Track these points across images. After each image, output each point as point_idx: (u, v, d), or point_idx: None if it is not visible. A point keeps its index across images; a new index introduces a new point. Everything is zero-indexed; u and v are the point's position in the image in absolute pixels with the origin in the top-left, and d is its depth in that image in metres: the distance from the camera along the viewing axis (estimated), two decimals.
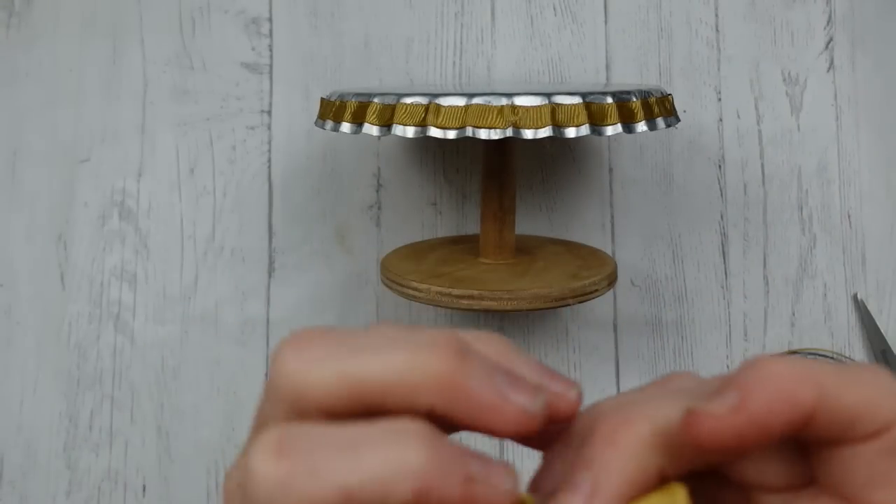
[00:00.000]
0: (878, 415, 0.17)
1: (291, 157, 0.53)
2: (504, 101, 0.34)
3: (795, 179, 0.52)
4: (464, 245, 0.48)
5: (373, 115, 0.37)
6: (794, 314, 0.52)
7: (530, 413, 0.17)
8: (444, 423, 0.17)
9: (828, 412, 0.17)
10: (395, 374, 0.17)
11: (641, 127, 0.36)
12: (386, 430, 0.16)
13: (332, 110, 0.39)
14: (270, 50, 0.53)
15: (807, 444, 0.18)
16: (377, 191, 0.53)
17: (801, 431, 0.17)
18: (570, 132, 0.35)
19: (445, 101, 0.35)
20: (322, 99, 0.42)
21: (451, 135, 0.35)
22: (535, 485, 0.20)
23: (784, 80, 0.53)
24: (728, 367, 0.51)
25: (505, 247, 0.45)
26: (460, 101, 0.35)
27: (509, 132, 0.34)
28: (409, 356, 0.17)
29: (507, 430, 0.17)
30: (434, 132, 0.35)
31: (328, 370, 0.17)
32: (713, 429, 0.17)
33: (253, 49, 0.53)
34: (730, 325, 0.52)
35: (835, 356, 0.51)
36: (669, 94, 0.40)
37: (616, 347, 0.51)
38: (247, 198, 0.53)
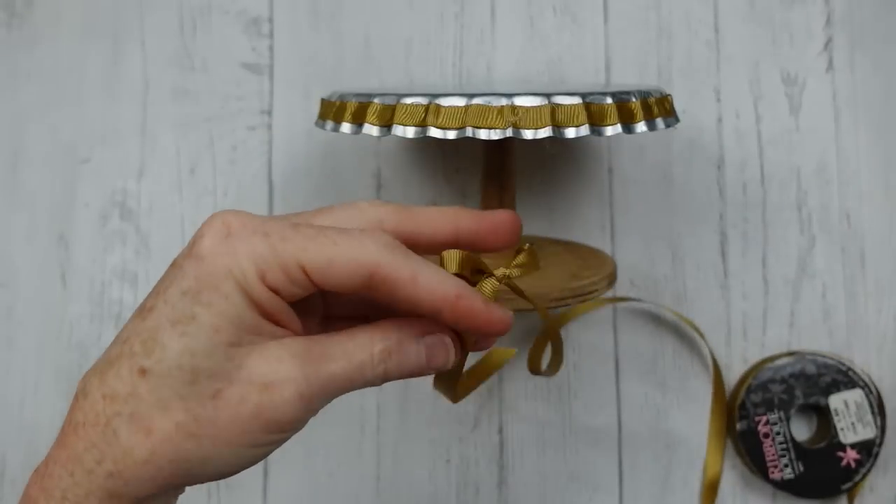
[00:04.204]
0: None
1: (292, 157, 0.53)
2: (504, 102, 0.35)
3: (794, 180, 0.52)
4: None
5: (373, 115, 0.37)
6: (792, 314, 0.52)
7: None
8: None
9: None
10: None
11: (641, 127, 0.36)
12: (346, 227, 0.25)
13: (332, 111, 0.40)
14: (271, 50, 0.53)
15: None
16: (377, 191, 0.53)
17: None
18: (570, 132, 0.35)
19: (445, 102, 0.35)
20: (322, 99, 0.42)
21: (451, 135, 0.35)
22: None
23: (783, 80, 0.53)
24: (727, 366, 0.51)
25: None
26: (460, 102, 0.35)
27: (509, 132, 0.34)
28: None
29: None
30: (434, 132, 0.35)
31: None
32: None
33: (253, 49, 0.53)
34: (729, 326, 0.52)
35: (834, 358, 0.51)
36: (669, 95, 0.40)
37: (616, 347, 0.51)
38: (247, 198, 0.53)
